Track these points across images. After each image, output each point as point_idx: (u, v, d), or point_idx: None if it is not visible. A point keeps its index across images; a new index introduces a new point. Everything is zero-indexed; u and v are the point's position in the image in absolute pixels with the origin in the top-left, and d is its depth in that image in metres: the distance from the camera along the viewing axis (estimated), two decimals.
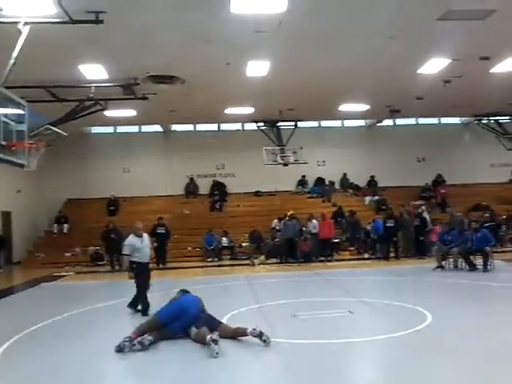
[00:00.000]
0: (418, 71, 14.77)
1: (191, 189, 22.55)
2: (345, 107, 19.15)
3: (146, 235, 8.64)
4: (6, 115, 7.14)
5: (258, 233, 18.19)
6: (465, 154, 22.86)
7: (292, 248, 16.73)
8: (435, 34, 12.03)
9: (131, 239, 8.36)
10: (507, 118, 20.49)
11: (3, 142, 6.77)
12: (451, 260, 13.07)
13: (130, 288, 8.42)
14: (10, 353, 6.30)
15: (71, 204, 21.70)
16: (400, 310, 8.22)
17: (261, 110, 18.99)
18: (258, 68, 13.86)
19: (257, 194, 22.58)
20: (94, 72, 13.32)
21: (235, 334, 6.37)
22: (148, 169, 22.32)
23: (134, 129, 22.65)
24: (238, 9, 9.67)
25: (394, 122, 23.54)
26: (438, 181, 22.35)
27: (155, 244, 16.49)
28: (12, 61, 7.85)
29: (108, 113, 17.13)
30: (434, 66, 14.26)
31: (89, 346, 6.53)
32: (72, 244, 18.61)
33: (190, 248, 18.44)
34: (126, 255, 8.32)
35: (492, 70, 14.91)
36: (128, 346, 6.02)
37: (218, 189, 22.43)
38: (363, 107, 19.12)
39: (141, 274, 8.27)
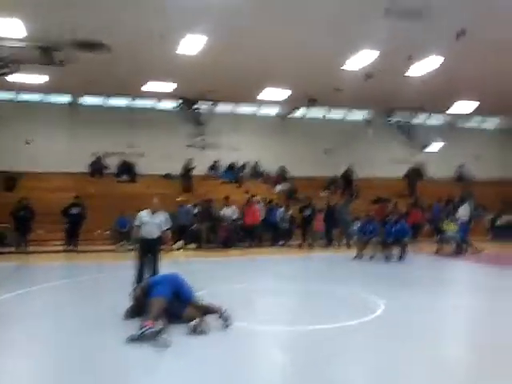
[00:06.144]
0: (346, 62, 15.33)
1: (98, 167, 21.20)
2: (268, 91, 19.26)
3: (163, 214, 8.37)
4: None
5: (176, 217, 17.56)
6: (366, 150, 24.14)
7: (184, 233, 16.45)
8: (371, 29, 12.60)
9: (142, 212, 8.30)
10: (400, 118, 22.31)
11: None
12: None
13: (44, 272, 7.73)
14: None
15: None
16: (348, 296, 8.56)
17: (182, 88, 18.38)
18: (192, 43, 13.40)
19: (167, 176, 21.86)
20: (9, 28, 11.93)
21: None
22: (50, 142, 20.52)
23: (38, 97, 20.64)
24: None
25: (305, 113, 24.23)
26: (348, 174, 23.21)
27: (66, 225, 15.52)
28: None
29: (13, 77, 15.49)
30: (362, 59, 14.91)
31: None
32: None
33: (99, 231, 17.24)
34: (136, 226, 8.27)
35: (409, 71, 16.02)
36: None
37: (127, 169, 21.38)
38: (285, 93, 19.39)
39: (140, 250, 8.14)
